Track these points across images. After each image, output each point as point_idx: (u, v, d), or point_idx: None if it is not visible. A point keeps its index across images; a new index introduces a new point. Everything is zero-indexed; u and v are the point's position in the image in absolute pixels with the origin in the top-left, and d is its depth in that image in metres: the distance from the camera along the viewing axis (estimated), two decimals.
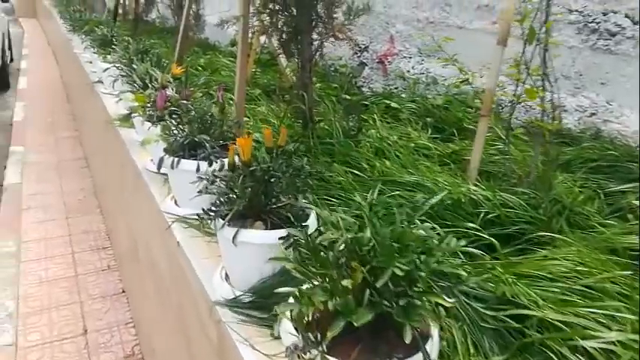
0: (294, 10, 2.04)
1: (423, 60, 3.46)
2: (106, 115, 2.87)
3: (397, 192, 1.62)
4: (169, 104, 1.79)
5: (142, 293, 2.39)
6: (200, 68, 3.34)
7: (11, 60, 9.53)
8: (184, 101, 1.83)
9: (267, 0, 2.06)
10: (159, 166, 1.64)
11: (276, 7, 2.06)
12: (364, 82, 3.87)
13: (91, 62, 4.07)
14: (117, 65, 2.58)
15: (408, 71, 3.54)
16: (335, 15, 2.08)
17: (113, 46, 3.20)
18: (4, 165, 4.94)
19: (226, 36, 4.65)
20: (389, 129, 2.41)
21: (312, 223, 1.18)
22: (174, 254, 1.54)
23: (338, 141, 2.10)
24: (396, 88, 3.47)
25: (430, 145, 2.22)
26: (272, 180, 1.20)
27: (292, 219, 1.19)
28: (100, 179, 4.08)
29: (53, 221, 3.75)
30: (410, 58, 3.58)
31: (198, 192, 1.25)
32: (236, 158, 1.22)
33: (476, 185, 1.71)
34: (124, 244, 2.95)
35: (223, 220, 1.16)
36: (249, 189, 1.18)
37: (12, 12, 11.51)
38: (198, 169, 1.46)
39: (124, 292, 2.97)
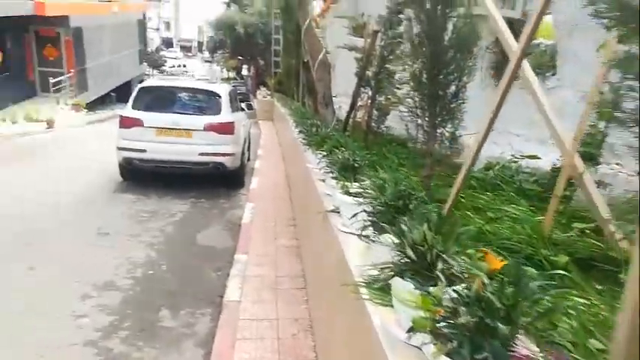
0: None
1: None
2: (342, 266, 2.28)
3: None
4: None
5: None
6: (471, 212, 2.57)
7: (248, 159, 10.42)
8: None
9: None
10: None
11: None
12: None
13: (323, 180, 3.71)
14: (367, 210, 1.98)
15: None
16: None
17: (356, 175, 2.70)
18: (227, 273, 4.86)
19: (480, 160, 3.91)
20: None
21: None
22: None
23: None
24: None
25: None
26: None
27: None
28: (318, 314, 3.53)
29: None
30: None
31: None
32: None
33: None
34: None
35: None
36: None
37: (254, 116, 13.00)
38: None
39: None
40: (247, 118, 10.50)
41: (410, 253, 1.33)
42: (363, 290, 1.84)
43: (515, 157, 3.20)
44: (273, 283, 4.52)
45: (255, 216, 6.64)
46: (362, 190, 2.58)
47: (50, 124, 15.14)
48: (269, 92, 23.60)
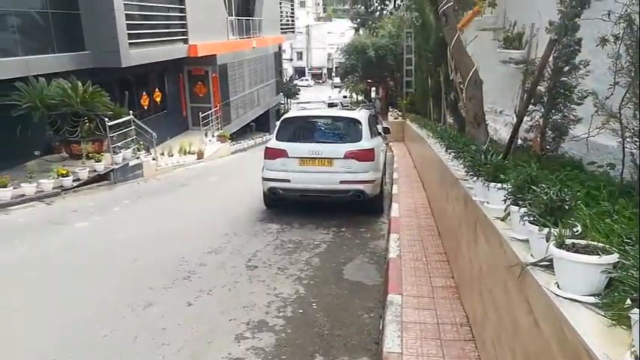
0: None
1: None
2: (569, 345, 1.73)
3: None
4: None
5: None
6: None
7: (385, 184, 10.06)
8: None
9: None
10: None
11: None
12: None
13: (503, 219, 3.14)
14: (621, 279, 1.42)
15: None
16: None
17: (563, 219, 2.12)
18: (380, 314, 4.47)
19: None
20: None
21: None
22: None
23: None
24: None
25: None
26: None
27: None
28: None
29: None
30: None
31: None
32: None
33: None
34: None
35: None
36: None
37: (386, 138, 12.73)
38: None
39: None
40: (383, 143, 10.20)
41: None
42: None
43: None
44: (434, 334, 3.99)
45: (401, 248, 6.18)
46: (586, 243, 2.00)
47: (200, 155, 16.36)
48: (400, 113, 23.20)
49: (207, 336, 4.24)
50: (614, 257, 1.82)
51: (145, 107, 17.62)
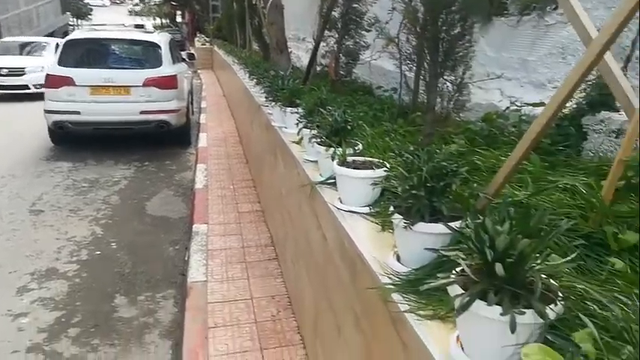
0: None
1: None
2: (347, 252, 1.86)
3: None
4: None
5: None
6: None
7: (192, 113, 9.68)
8: None
9: None
10: None
11: None
12: None
13: (298, 142, 3.22)
14: (390, 189, 1.54)
15: None
16: None
17: (347, 139, 2.24)
18: (186, 246, 4.37)
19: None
20: None
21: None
22: None
23: None
24: None
25: None
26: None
27: None
28: (298, 289, 3.14)
29: (244, 355, 2.86)
30: None
31: None
32: None
33: None
34: None
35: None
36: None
37: (193, 65, 12.09)
38: None
39: None
40: (189, 69, 9.69)
41: (500, 269, 0.91)
42: (392, 290, 1.43)
43: (517, 105, 2.83)
44: (240, 257, 4.07)
45: (210, 179, 6.07)
46: (364, 159, 2.13)
47: None
48: (207, 39, 22.20)
49: None
50: (383, 171, 1.98)
51: None
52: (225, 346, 2.93)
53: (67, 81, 6.95)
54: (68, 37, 7.89)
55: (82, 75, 7.02)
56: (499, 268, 0.93)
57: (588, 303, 1.04)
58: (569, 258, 1.06)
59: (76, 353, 3.04)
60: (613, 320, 0.83)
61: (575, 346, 0.82)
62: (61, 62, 7.16)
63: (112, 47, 7.80)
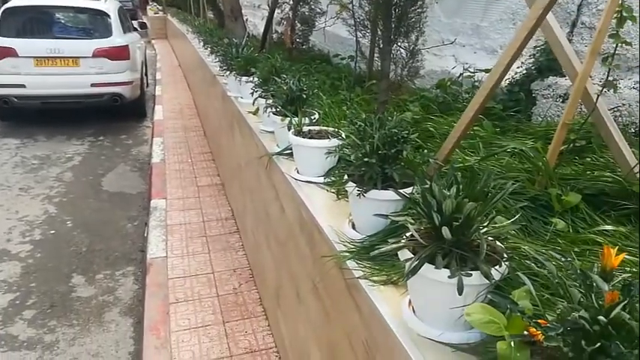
0: None
1: None
2: (305, 222, 1.86)
3: None
4: None
5: None
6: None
7: (147, 85, 9.36)
8: None
9: None
10: None
11: None
12: None
13: (254, 113, 3.17)
14: (343, 157, 1.54)
15: None
16: None
17: (303, 108, 2.21)
18: (145, 222, 4.29)
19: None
20: None
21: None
22: None
23: None
24: None
25: None
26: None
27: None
28: (259, 262, 3.15)
29: (206, 329, 2.86)
30: None
31: None
32: None
33: None
34: None
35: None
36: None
37: (146, 35, 11.59)
38: None
39: None
40: (141, 39, 9.31)
41: (447, 233, 0.94)
42: (344, 256, 1.45)
43: (469, 72, 2.86)
44: (200, 231, 4.03)
45: (167, 153, 5.93)
46: (319, 129, 2.11)
47: None
48: (160, 8, 21.34)
49: None
50: (338, 140, 1.98)
51: None
52: (187, 321, 2.93)
53: (9, 52, 6.56)
54: (7, 5, 7.40)
55: (25, 45, 6.63)
56: (446, 231, 0.95)
57: (530, 262, 1.08)
58: (513, 219, 1.09)
59: (32, 335, 2.97)
60: (550, 277, 0.87)
61: (514, 303, 0.86)
62: (1, 32, 6.74)
63: (57, 15, 7.37)
